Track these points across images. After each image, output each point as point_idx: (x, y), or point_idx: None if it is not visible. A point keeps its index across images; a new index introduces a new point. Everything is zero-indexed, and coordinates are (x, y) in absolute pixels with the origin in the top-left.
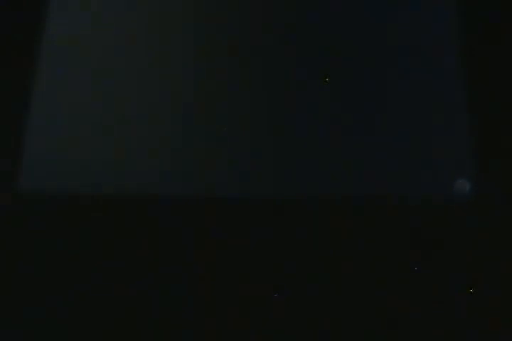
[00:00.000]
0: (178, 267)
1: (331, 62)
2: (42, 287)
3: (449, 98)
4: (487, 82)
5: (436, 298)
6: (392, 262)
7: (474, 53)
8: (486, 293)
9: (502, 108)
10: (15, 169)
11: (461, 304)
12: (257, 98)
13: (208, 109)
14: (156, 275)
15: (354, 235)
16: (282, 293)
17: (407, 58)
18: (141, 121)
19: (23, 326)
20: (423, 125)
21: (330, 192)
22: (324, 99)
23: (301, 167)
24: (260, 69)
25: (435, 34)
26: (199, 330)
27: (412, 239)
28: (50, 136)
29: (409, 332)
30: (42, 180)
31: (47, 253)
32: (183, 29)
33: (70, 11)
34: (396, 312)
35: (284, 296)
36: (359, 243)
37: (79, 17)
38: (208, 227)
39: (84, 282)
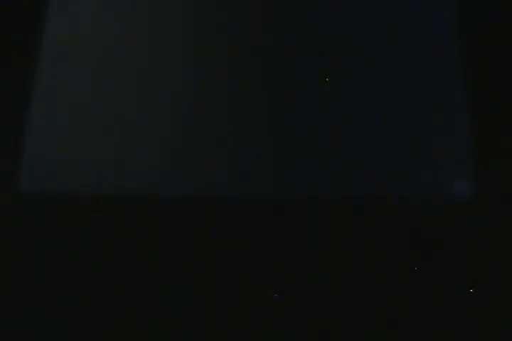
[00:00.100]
0: (178, 267)
1: (331, 62)
2: (42, 287)
3: (449, 98)
4: (487, 82)
5: (436, 298)
6: (392, 262)
7: (474, 53)
8: (486, 293)
9: (502, 108)
10: (15, 169)
11: (461, 304)
12: (257, 98)
13: (208, 109)
14: (156, 275)
15: (354, 235)
16: (282, 293)
17: (407, 58)
18: (141, 121)
19: (23, 326)
20: (423, 125)
21: (330, 192)
22: (324, 99)
23: (301, 167)
24: (260, 69)
25: (435, 34)
26: (199, 330)
27: (412, 239)
28: (50, 136)
29: (409, 332)
30: (42, 180)
31: (47, 253)
32: (183, 29)
33: (70, 11)
34: (396, 312)
35: (284, 296)
36: (359, 243)
37: (79, 17)
38: (207, 227)
39: (84, 282)
